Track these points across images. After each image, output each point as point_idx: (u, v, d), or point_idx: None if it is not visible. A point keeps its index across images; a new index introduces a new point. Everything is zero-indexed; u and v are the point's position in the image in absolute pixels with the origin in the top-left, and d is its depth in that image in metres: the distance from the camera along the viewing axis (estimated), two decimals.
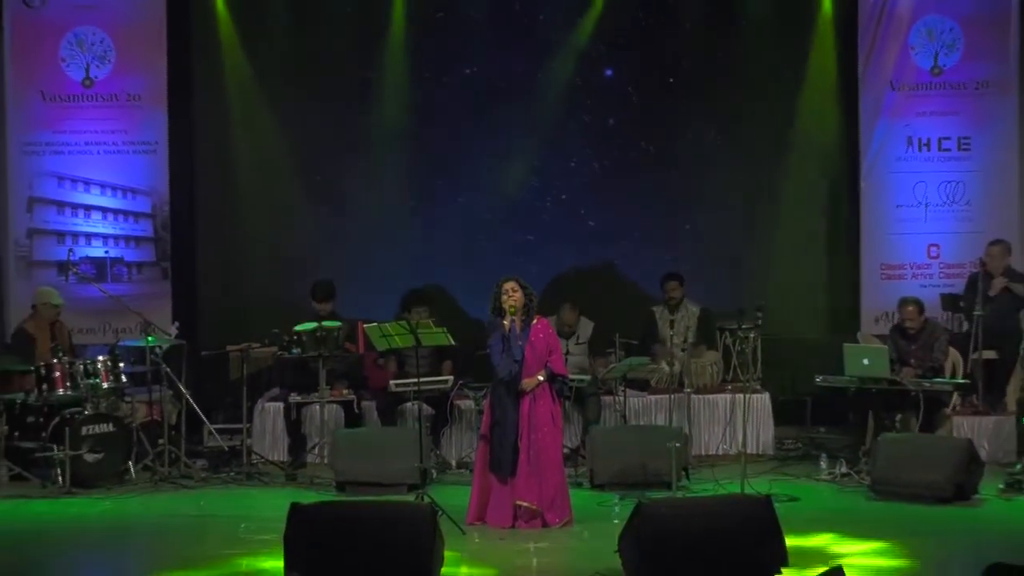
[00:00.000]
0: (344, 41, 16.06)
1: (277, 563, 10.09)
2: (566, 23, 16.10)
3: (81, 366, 13.55)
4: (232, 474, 13.77)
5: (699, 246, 16.11)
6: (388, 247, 16.09)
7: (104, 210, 15.74)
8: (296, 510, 10.22)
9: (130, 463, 13.53)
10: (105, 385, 13.59)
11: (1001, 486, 12.80)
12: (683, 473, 12.93)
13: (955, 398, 14.01)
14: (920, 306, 14.15)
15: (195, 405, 14.19)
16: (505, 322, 11.73)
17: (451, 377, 14.19)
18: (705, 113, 16.13)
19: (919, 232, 15.79)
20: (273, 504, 11.90)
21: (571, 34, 16.10)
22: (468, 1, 16.05)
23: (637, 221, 16.27)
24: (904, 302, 14.23)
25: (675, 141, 16.20)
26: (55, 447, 13.09)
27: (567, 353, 14.34)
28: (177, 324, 14.75)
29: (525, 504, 11.65)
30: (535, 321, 11.83)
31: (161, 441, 13.74)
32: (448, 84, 16.21)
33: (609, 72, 16.32)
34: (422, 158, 16.28)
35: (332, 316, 14.25)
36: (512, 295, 11.72)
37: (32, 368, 13.52)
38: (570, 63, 16.18)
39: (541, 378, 11.65)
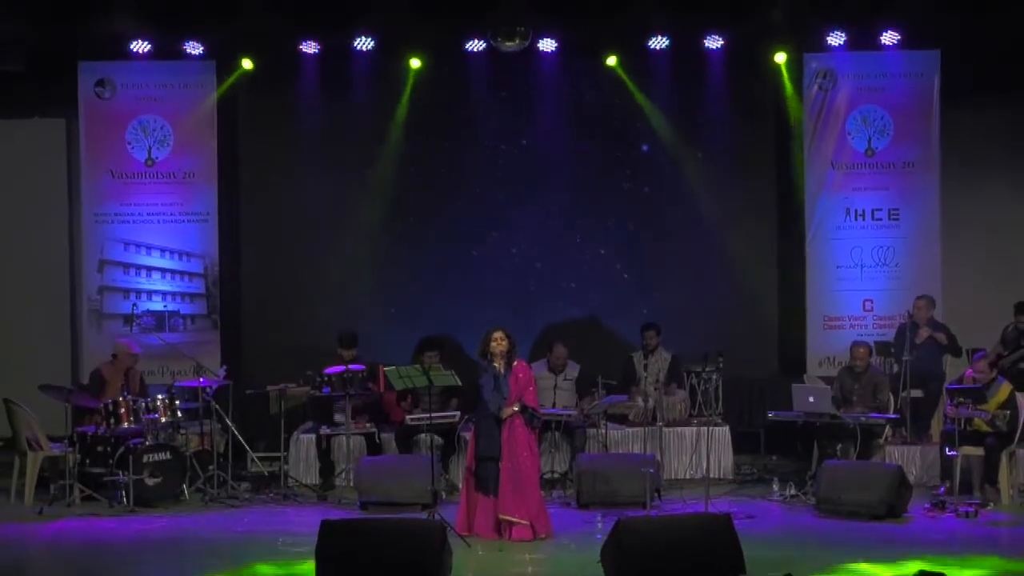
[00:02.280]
0: (361, 130, 16.11)
1: (310, 571, 10.12)
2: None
3: (143, 403, 13.56)
4: (271, 495, 13.75)
5: (669, 301, 16.10)
6: (402, 302, 16.09)
7: (163, 271, 15.75)
8: (326, 526, 10.27)
9: (184, 486, 13.53)
10: (163, 419, 13.59)
11: (927, 506, 12.83)
12: (656, 494, 12.93)
13: (887, 430, 14.02)
14: (869, 349, 14.26)
15: (240, 436, 14.22)
16: (496, 364, 11.88)
17: (458, 412, 14.21)
18: (679, 191, 16.18)
19: (856, 289, 15.78)
20: (307, 521, 11.92)
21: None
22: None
23: (617, 280, 16.30)
24: (856, 344, 14.31)
25: (651, 214, 16.24)
26: (120, 472, 13.11)
27: (556, 388, 14.44)
28: (225, 367, 14.79)
29: (508, 518, 11.74)
30: (515, 363, 12.03)
31: (211, 467, 13.72)
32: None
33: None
34: (423, 229, 16.27)
35: (356, 360, 14.28)
36: (500, 343, 12.00)
37: (101, 405, 13.56)
38: (546, 147, 16.23)
39: (516, 408, 11.82)
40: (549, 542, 11.71)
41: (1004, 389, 13.30)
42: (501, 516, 11.78)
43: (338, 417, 14.22)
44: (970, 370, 13.59)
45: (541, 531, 11.85)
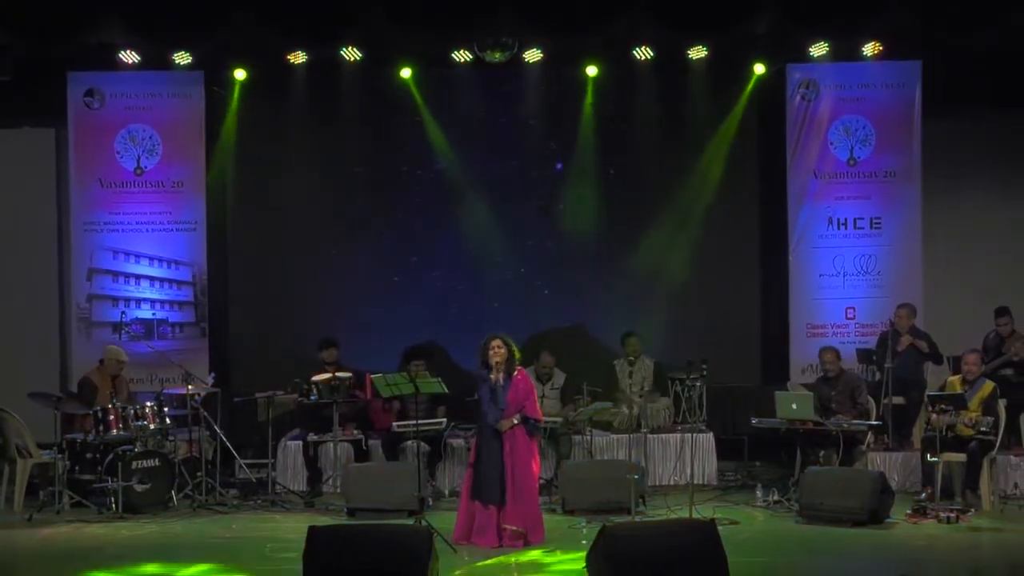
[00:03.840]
0: (348, 140, 16.14)
1: None
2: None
3: (132, 410, 13.54)
4: (259, 502, 13.73)
5: (653, 309, 16.12)
6: (388, 310, 16.11)
7: (152, 279, 15.73)
8: (313, 532, 10.22)
9: (173, 492, 13.51)
10: (152, 426, 13.57)
11: (908, 511, 12.82)
12: (641, 500, 12.93)
13: (869, 437, 14.02)
14: (836, 353, 14.27)
15: (228, 443, 14.19)
16: (493, 376, 11.80)
17: (445, 419, 14.20)
18: (663, 201, 16.22)
19: (838, 297, 15.82)
20: (294, 527, 11.92)
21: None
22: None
23: (602, 289, 16.30)
24: (823, 351, 14.38)
25: (636, 223, 16.26)
26: (109, 479, 13.09)
27: (543, 397, 14.41)
28: (213, 375, 14.78)
29: (512, 528, 11.68)
30: (516, 372, 11.90)
31: (199, 474, 13.70)
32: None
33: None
34: (410, 238, 16.35)
35: (337, 364, 14.27)
36: (498, 351, 11.82)
37: (91, 411, 13.55)
38: (534, 157, 16.28)
39: (516, 421, 11.73)
40: (535, 548, 11.68)
41: (987, 386, 13.41)
42: (504, 526, 11.71)
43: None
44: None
45: (536, 539, 11.77)
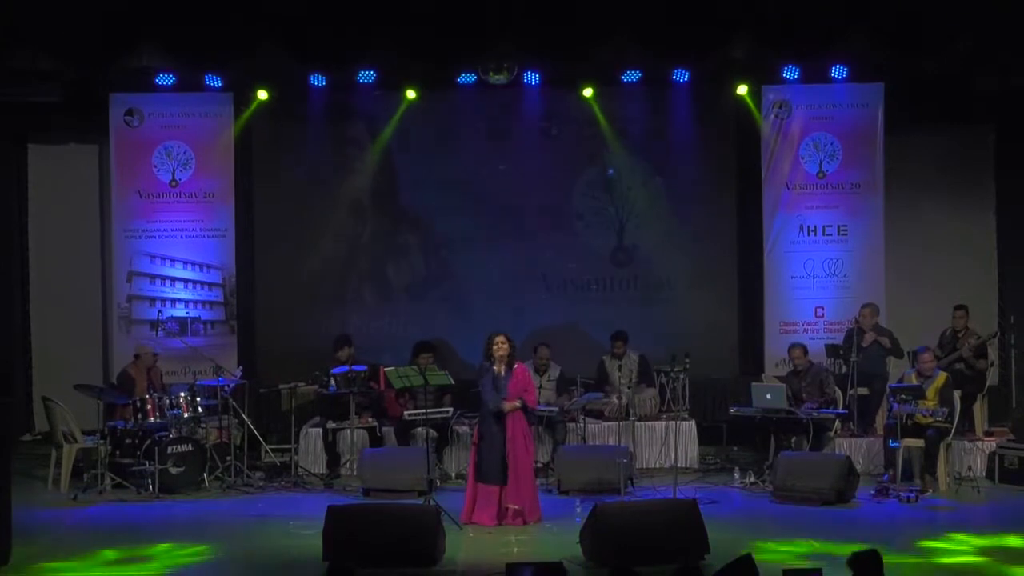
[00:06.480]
0: (378, 148, 16.14)
1: (317, 551, 10.14)
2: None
3: (167, 400, 13.58)
4: (283, 483, 13.75)
5: (641, 308, 16.15)
6: (403, 309, 16.14)
7: (185, 281, 15.74)
8: (332, 510, 10.30)
9: (205, 475, 13.54)
10: (186, 415, 13.59)
11: (872, 492, 12.87)
12: (629, 482, 12.95)
13: (836, 424, 14.04)
14: (804, 349, 14.28)
15: (254, 430, 14.21)
16: (496, 367, 11.84)
17: (451, 408, 14.22)
18: (653, 208, 16.26)
19: (809, 297, 15.82)
20: (314, 506, 11.91)
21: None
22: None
23: (597, 287, 16.34)
24: (792, 347, 14.39)
25: (625, 229, 16.28)
26: (147, 462, 13.12)
27: (540, 388, 14.42)
28: (241, 368, 14.79)
29: (513, 506, 11.72)
30: (516, 366, 11.96)
31: (228, 458, 13.72)
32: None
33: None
34: (428, 241, 16.38)
35: (351, 360, 14.28)
36: (501, 346, 11.90)
37: (130, 402, 13.58)
38: (558, 168, 16.29)
39: (517, 404, 11.79)
40: (533, 525, 11.72)
41: (941, 377, 13.42)
42: (506, 505, 11.73)
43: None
44: (910, 370, 13.68)
45: (533, 517, 11.83)
